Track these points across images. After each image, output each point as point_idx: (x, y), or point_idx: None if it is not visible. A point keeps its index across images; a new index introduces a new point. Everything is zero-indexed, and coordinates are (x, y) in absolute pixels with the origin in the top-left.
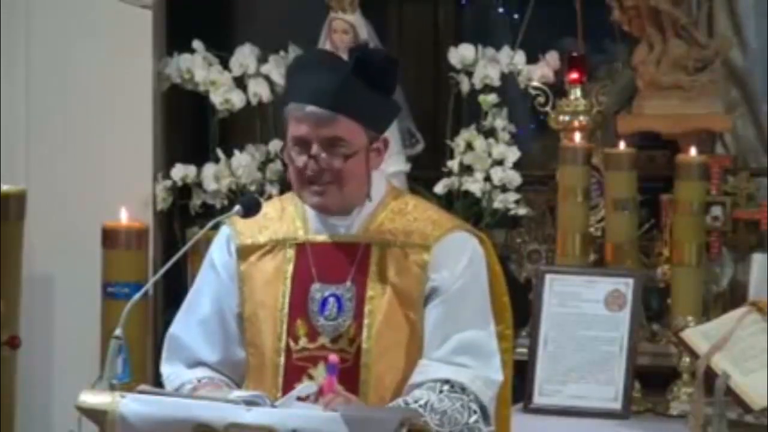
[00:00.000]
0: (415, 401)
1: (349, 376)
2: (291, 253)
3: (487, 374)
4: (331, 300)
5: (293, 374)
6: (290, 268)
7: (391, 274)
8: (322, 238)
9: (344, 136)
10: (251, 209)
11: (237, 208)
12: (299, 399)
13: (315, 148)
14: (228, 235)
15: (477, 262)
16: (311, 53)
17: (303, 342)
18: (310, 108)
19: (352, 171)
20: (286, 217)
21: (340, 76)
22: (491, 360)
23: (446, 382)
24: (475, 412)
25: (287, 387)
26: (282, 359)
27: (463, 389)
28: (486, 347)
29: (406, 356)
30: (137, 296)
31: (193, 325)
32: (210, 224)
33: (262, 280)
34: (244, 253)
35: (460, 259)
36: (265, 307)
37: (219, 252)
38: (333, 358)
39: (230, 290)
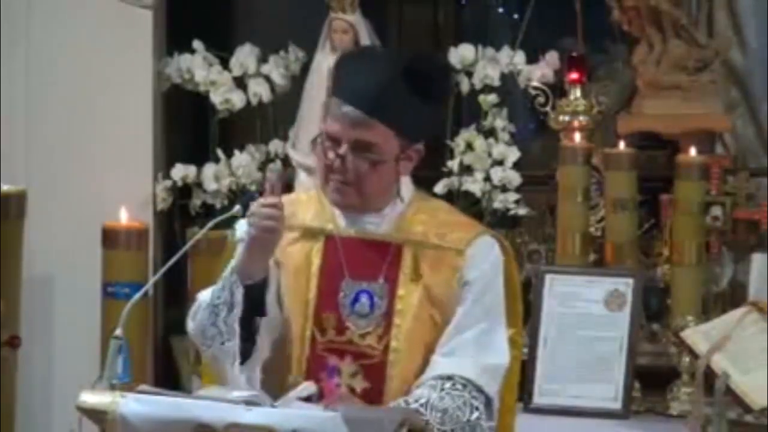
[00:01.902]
0: (416, 400)
1: (376, 373)
2: (320, 244)
3: (490, 361)
4: (364, 296)
5: (317, 363)
6: (318, 259)
7: (425, 274)
8: (352, 232)
9: (376, 141)
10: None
11: (237, 208)
12: (299, 399)
13: (344, 148)
14: None
15: (496, 267)
16: (361, 50)
17: (331, 335)
18: (347, 108)
19: (376, 178)
20: (313, 208)
21: (384, 80)
22: (496, 347)
23: (449, 378)
24: (477, 408)
25: (310, 374)
26: (307, 347)
27: (465, 385)
28: (492, 337)
29: (425, 355)
30: (137, 296)
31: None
32: (210, 224)
33: (291, 266)
34: None
35: (483, 262)
36: (293, 295)
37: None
38: (333, 361)
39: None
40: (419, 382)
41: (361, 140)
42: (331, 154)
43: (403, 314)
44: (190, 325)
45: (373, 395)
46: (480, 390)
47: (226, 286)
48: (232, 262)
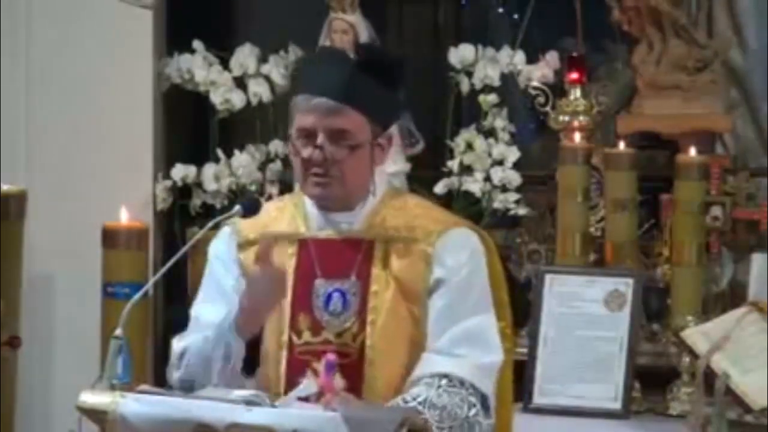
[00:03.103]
0: (414, 398)
1: (353, 372)
2: (293, 249)
3: (484, 360)
4: (336, 295)
5: (296, 367)
6: (292, 263)
7: (395, 269)
8: (324, 234)
9: (350, 128)
10: (251, 210)
11: (237, 208)
12: (299, 399)
13: (321, 138)
14: (229, 232)
15: (477, 257)
16: (320, 50)
17: (306, 336)
18: (318, 99)
19: (355, 164)
20: (287, 216)
21: (348, 70)
22: (489, 343)
23: (445, 376)
24: (474, 405)
25: (290, 380)
26: (284, 352)
27: (462, 382)
28: (485, 332)
29: (410, 351)
30: (137, 296)
31: (218, 302)
32: (210, 224)
33: None
34: (246, 246)
35: (461, 254)
36: None
37: (222, 246)
38: (330, 357)
39: (238, 279)
40: (412, 378)
41: (335, 128)
42: (308, 150)
43: (377, 310)
44: (175, 375)
45: (353, 394)
46: (475, 387)
47: (221, 341)
48: (229, 316)
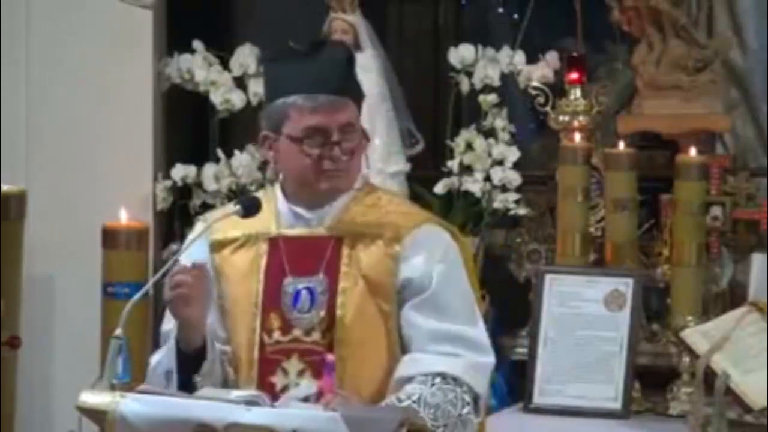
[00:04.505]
0: (408, 397)
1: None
2: (264, 247)
3: (478, 359)
4: (304, 293)
5: (267, 367)
6: (263, 262)
7: (363, 266)
8: (294, 231)
9: (354, 120)
10: (251, 209)
11: (237, 207)
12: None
13: (336, 135)
14: (201, 230)
15: (452, 255)
16: (281, 49)
17: (276, 335)
18: (325, 96)
19: (359, 154)
20: (260, 213)
21: (335, 63)
22: (481, 343)
23: (439, 374)
24: (468, 403)
25: (262, 380)
26: (256, 353)
27: (456, 380)
28: (473, 332)
29: (384, 348)
30: (137, 296)
31: None
32: (209, 223)
33: (236, 274)
34: (216, 247)
35: (433, 252)
36: (239, 302)
37: (194, 247)
38: (330, 357)
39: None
40: (405, 376)
41: (345, 123)
42: (318, 149)
43: (346, 307)
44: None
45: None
46: (470, 386)
47: (172, 353)
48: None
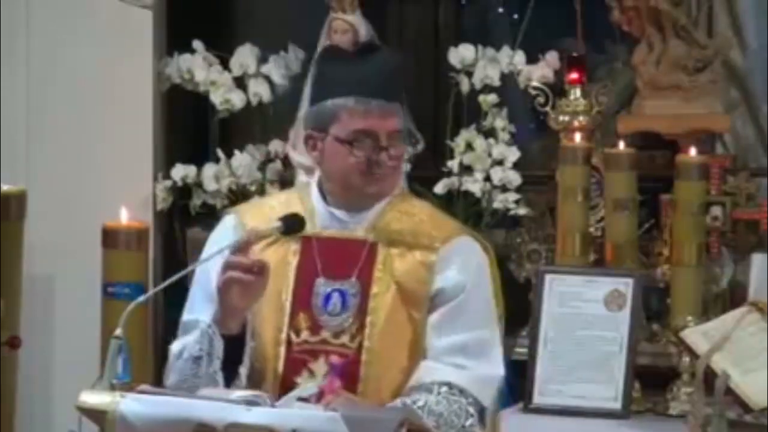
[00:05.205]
0: (413, 403)
1: (349, 373)
2: (296, 246)
3: (486, 372)
4: (335, 295)
5: (293, 366)
6: (295, 260)
7: (396, 273)
8: (328, 233)
9: (401, 127)
10: (293, 228)
11: (278, 224)
12: (300, 399)
13: (384, 140)
14: (234, 225)
15: (482, 268)
16: (333, 49)
17: (305, 335)
18: (377, 101)
19: (402, 161)
20: (293, 208)
21: (387, 67)
22: (492, 356)
23: (446, 384)
24: (471, 415)
25: (286, 379)
26: (282, 350)
27: (462, 392)
28: (488, 345)
29: (408, 355)
30: (141, 299)
31: (206, 306)
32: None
33: None
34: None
35: (466, 264)
36: (268, 298)
37: (225, 239)
38: (336, 359)
39: None
40: (412, 384)
41: (393, 129)
42: (364, 152)
43: (377, 312)
44: (171, 378)
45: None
46: (476, 398)
47: (205, 338)
48: (213, 314)
